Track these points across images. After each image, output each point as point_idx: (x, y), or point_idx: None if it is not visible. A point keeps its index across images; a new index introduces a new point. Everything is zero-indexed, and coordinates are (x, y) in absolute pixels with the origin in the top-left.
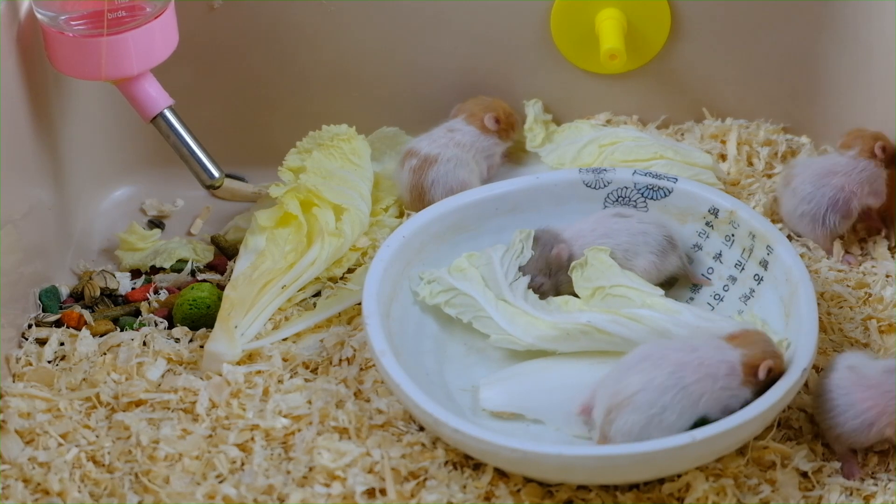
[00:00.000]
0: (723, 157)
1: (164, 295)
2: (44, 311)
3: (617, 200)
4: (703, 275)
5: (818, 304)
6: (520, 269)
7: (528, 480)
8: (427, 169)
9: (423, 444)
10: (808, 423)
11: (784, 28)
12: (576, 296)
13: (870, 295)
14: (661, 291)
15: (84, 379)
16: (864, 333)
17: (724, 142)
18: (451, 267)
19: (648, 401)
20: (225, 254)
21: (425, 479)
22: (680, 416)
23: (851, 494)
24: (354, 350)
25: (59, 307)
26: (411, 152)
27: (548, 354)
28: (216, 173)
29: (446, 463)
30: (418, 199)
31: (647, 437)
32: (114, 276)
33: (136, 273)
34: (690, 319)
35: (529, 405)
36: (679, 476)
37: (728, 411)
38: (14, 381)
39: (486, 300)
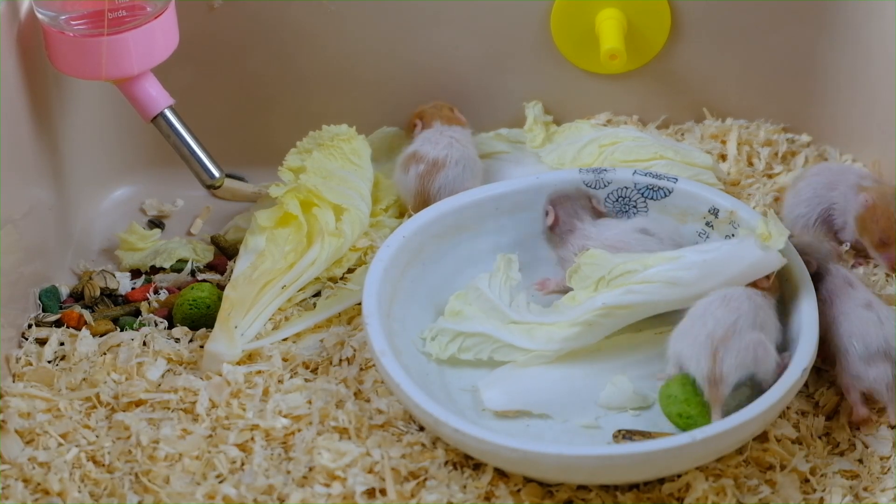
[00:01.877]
0: (723, 158)
1: (164, 295)
2: (44, 311)
3: (617, 200)
4: None
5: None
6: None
7: (528, 480)
8: (435, 174)
9: (423, 444)
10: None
11: (784, 28)
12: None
13: None
14: (654, 249)
15: (84, 379)
16: None
17: (724, 142)
18: (447, 313)
19: (750, 323)
20: (225, 254)
21: (425, 479)
22: (775, 328)
23: (855, 497)
24: (354, 350)
25: (59, 307)
26: (417, 157)
27: None
28: (216, 173)
29: (446, 463)
30: (423, 204)
31: (764, 357)
32: (114, 276)
33: (136, 273)
34: (694, 258)
35: (533, 400)
36: (679, 476)
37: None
38: (14, 381)
39: (497, 330)
